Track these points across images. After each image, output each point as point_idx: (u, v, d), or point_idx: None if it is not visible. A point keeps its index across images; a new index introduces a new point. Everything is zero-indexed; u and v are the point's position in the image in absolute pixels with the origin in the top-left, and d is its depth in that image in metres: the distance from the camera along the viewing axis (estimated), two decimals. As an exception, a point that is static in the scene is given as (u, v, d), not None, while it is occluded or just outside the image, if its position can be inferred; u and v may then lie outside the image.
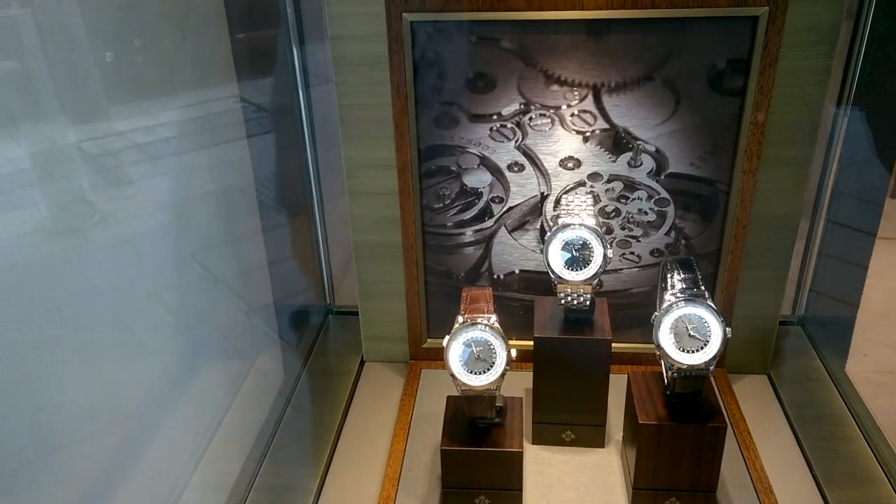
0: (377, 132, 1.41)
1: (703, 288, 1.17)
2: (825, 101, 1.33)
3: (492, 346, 1.16)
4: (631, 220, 1.44)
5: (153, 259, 1.21)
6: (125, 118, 1.15)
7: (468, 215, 1.47)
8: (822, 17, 1.27)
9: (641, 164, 1.41)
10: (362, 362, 1.62)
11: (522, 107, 1.38)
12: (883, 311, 1.73)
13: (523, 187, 1.44)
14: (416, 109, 1.39)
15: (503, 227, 1.47)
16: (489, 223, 1.47)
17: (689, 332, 1.14)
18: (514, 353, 1.16)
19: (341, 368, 1.61)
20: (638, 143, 1.39)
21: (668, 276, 1.20)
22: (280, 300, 1.63)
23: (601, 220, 1.44)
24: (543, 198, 1.45)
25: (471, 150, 1.42)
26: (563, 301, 1.28)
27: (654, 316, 1.17)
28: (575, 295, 1.27)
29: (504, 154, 1.42)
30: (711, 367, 1.15)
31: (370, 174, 1.45)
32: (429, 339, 1.57)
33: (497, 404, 1.22)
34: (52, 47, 0.97)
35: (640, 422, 1.19)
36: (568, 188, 1.44)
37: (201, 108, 1.36)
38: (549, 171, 1.43)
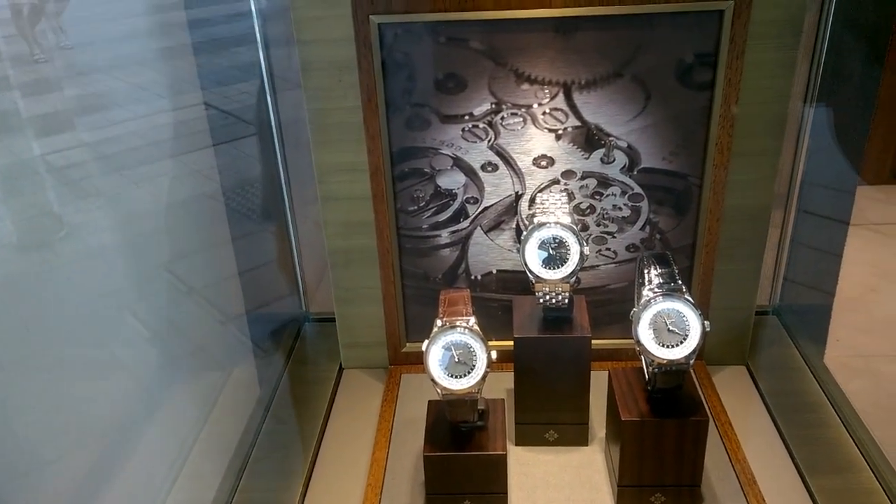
0: (348, 136, 1.40)
1: (680, 282, 1.18)
2: (792, 91, 1.34)
3: (472, 349, 1.16)
4: (606, 216, 1.45)
5: (124, 271, 1.19)
6: (89, 129, 1.13)
7: (443, 217, 1.47)
8: (786, 10, 1.29)
9: (614, 160, 1.42)
10: (341, 369, 1.62)
11: (494, 106, 1.39)
12: (853, 296, 1.76)
13: (497, 187, 1.44)
14: (387, 112, 1.38)
15: (479, 228, 1.48)
16: (465, 224, 1.47)
17: (667, 326, 1.15)
18: (494, 354, 1.16)
19: (319, 376, 1.60)
20: (610, 139, 1.40)
21: (645, 271, 1.21)
22: (253, 309, 1.62)
23: (576, 217, 1.45)
24: (518, 197, 1.45)
25: (443, 152, 1.42)
26: (541, 300, 1.28)
27: (632, 312, 1.17)
28: (553, 293, 1.27)
29: (477, 154, 1.43)
30: (691, 361, 1.16)
31: (342, 178, 1.44)
32: (408, 344, 1.57)
33: (479, 407, 1.22)
34: (13, 58, 0.96)
35: (623, 418, 1.20)
36: (542, 186, 1.44)
37: (168, 116, 1.35)
38: (523, 170, 1.43)
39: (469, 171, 1.44)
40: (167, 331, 1.30)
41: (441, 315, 1.19)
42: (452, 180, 1.45)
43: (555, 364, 1.30)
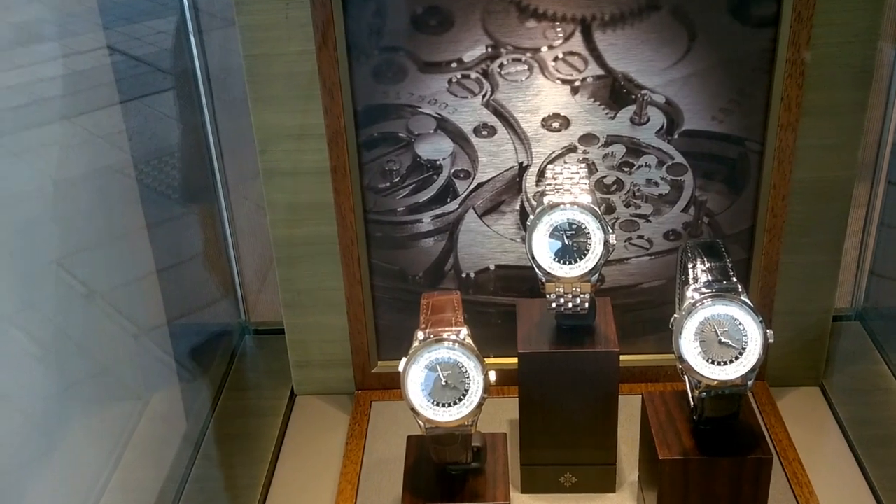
0: (298, 91, 1.40)
1: (734, 279, 1.19)
2: (882, 30, 1.35)
3: (463, 369, 1.16)
4: (637, 194, 1.45)
5: (2, 270, 1.19)
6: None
7: (425, 196, 1.47)
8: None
9: (648, 120, 1.42)
10: (292, 396, 1.62)
11: (490, 50, 1.38)
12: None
13: (496, 157, 1.44)
14: (350, 59, 1.38)
15: (471, 211, 1.48)
16: (453, 206, 1.47)
17: (719, 337, 1.15)
18: (493, 376, 1.16)
19: (265, 406, 1.60)
20: (643, 93, 1.40)
21: (690, 265, 1.21)
22: (176, 318, 1.61)
23: (599, 196, 1.45)
24: (523, 170, 1.45)
25: (424, 111, 1.42)
26: (553, 304, 1.29)
27: (673, 319, 1.18)
28: (569, 296, 1.28)
29: (468, 114, 1.42)
30: (750, 383, 1.16)
31: (291, 147, 1.44)
32: (380, 363, 1.57)
33: (473, 444, 1.22)
34: None
35: (661, 457, 1.20)
36: (554, 156, 1.44)
37: (59, 65, 1.34)
38: (529, 135, 1.43)
39: (458, 136, 1.44)
40: (62, 347, 1.30)
41: (423, 325, 1.19)
42: (436, 148, 1.45)
43: (572, 387, 1.30)
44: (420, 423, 1.17)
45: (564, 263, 1.26)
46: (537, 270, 1.27)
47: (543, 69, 1.39)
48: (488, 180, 1.46)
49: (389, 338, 1.55)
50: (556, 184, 1.28)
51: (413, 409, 1.16)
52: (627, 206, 1.46)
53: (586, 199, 1.26)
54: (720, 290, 1.17)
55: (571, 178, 1.28)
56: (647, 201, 1.46)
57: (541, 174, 1.45)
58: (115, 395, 1.45)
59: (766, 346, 1.15)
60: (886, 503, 1.35)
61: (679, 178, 1.45)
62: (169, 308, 1.59)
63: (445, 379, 1.16)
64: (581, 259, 1.26)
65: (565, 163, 1.44)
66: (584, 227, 1.25)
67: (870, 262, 1.67)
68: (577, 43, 1.38)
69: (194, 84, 1.61)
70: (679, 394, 1.28)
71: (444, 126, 1.43)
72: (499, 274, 1.51)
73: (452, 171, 1.45)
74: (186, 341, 1.66)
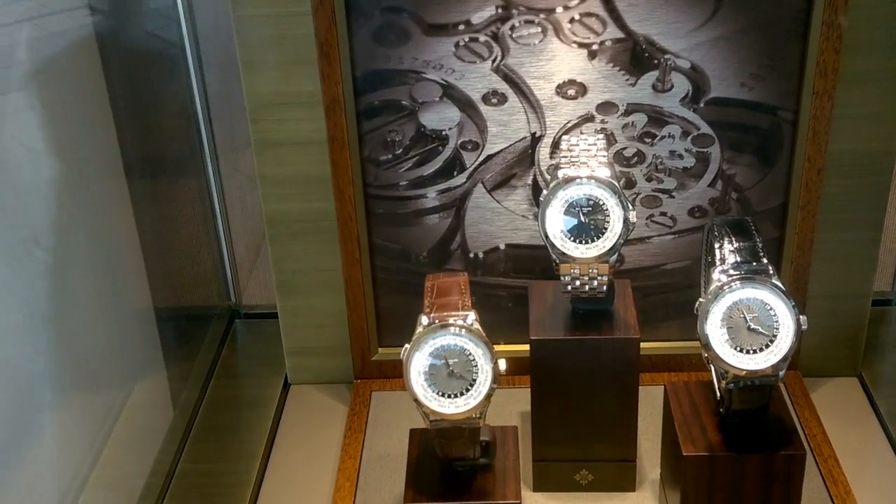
0: (293, 55, 1.40)
1: (765, 261, 1.18)
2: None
3: (471, 357, 1.16)
4: (660, 167, 1.45)
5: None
6: None
7: (430, 169, 1.46)
8: None
9: (672, 87, 1.41)
10: (286, 385, 1.62)
11: (500, 11, 1.38)
12: None
13: (506, 127, 1.44)
14: (349, 20, 1.37)
15: (480, 185, 1.47)
16: (460, 180, 1.47)
17: (748, 324, 1.15)
18: (502, 364, 1.16)
19: (257, 396, 1.60)
20: (666, 57, 1.39)
21: (716, 245, 1.20)
22: (162, 302, 1.62)
23: (618, 169, 1.44)
24: (535, 140, 1.44)
25: (429, 77, 1.42)
26: (568, 287, 1.28)
27: (698, 303, 1.17)
28: (585, 278, 1.27)
29: (477, 80, 1.42)
30: (782, 373, 1.15)
31: (285, 116, 1.43)
32: (380, 350, 1.57)
33: (482, 438, 1.22)
34: None
35: (685, 453, 1.20)
36: (570, 126, 1.43)
37: (34, 25, 1.33)
38: (543, 103, 1.42)
39: (466, 105, 1.43)
40: (39, 332, 1.30)
41: (428, 309, 1.18)
42: (442, 117, 1.44)
43: (589, 377, 1.30)
44: (424, 415, 1.17)
45: (580, 242, 1.25)
46: (551, 250, 1.26)
47: (558, 32, 1.39)
48: (498, 152, 1.45)
49: (391, 323, 1.55)
50: (571, 156, 1.28)
51: (416, 400, 1.16)
52: (649, 180, 1.46)
53: (604, 172, 1.26)
54: (749, 271, 1.16)
55: (588, 150, 1.28)
56: (670, 175, 1.45)
57: (555, 146, 1.44)
58: (95, 383, 1.45)
59: (800, 333, 1.15)
60: (929, 503, 1.35)
61: (705, 149, 1.44)
62: (153, 289, 1.59)
63: (451, 367, 1.16)
64: (599, 238, 1.25)
65: (581, 133, 1.43)
66: (601, 203, 1.25)
67: (912, 242, 1.67)
68: (594, 3, 1.37)
69: (180, 45, 1.61)
70: (705, 384, 1.28)
71: (451, 93, 1.42)
72: (509, 254, 1.51)
73: (459, 142, 1.45)
74: (172, 325, 1.67)
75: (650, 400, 1.41)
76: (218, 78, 1.65)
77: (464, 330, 1.16)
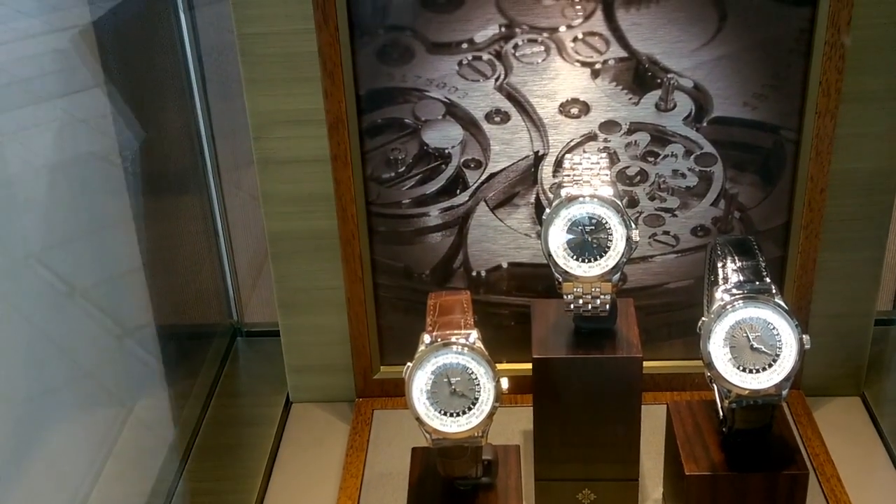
0: (296, 73, 1.40)
1: (768, 280, 1.18)
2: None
3: (473, 376, 1.16)
4: (663, 186, 1.45)
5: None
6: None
7: (432, 188, 1.47)
8: None
9: (675, 106, 1.41)
10: (288, 403, 1.62)
11: (504, 30, 1.38)
12: None
13: (509, 145, 1.44)
14: (352, 38, 1.38)
15: (483, 203, 1.48)
16: (462, 198, 1.47)
17: (751, 343, 1.15)
18: (505, 383, 1.16)
19: (258, 414, 1.60)
20: (669, 76, 1.40)
21: (719, 264, 1.21)
22: (164, 319, 1.62)
23: (621, 188, 1.45)
24: (538, 159, 1.45)
25: (432, 95, 1.42)
26: (571, 306, 1.28)
27: (701, 322, 1.17)
28: (588, 296, 1.27)
29: (480, 98, 1.42)
30: (785, 392, 1.16)
31: (288, 133, 1.44)
32: (382, 368, 1.57)
33: (484, 457, 1.22)
34: None
35: (688, 472, 1.20)
36: (573, 144, 1.44)
37: (37, 42, 1.34)
38: (546, 121, 1.43)
39: (469, 123, 1.44)
40: (38, 348, 1.30)
41: (430, 327, 1.19)
42: (445, 135, 1.45)
43: (591, 396, 1.30)
44: (426, 433, 1.17)
45: (583, 261, 1.26)
46: (554, 269, 1.26)
47: (561, 50, 1.39)
48: (501, 170, 1.46)
49: (393, 341, 1.55)
50: (574, 175, 1.28)
51: (418, 419, 1.16)
52: (652, 199, 1.46)
53: (607, 191, 1.26)
54: (752, 290, 1.17)
55: (591, 169, 1.28)
56: (673, 194, 1.46)
57: (558, 164, 1.45)
58: (96, 400, 1.45)
59: (803, 353, 1.15)
60: (932, 523, 1.35)
61: (708, 168, 1.44)
62: (155, 307, 1.59)
63: (454, 386, 1.16)
64: (601, 256, 1.25)
65: (584, 152, 1.43)
66: (604, 221, 1.25)
67: (915, 262, 1.67)
68: (598, 22, 1.37)
69: (183, 64, 1.61)
70: (707, 404, 1.28)
71: (454, 112, 1.43)
72: (512, 272, 1.51)
73: (462, 160, 1.45)
74: (174, 343, 1.67)
75: (653, 419, 1.40)
76: (221, 96, 1.65)
77: (466, 348, 1.16)
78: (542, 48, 1.39)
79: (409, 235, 1.49)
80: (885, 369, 1.61)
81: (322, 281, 1.52)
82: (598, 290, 1.27)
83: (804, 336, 1.15)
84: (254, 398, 1.65)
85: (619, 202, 1.25)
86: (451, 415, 1.16)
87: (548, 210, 1.26)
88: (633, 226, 1.25)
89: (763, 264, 1.20)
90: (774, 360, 1.15)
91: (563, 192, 1.26)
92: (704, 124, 1.42)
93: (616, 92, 1.41)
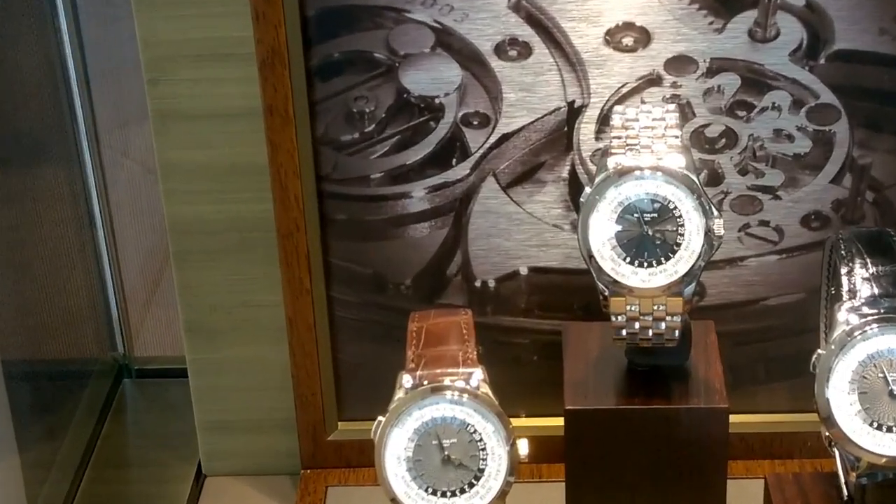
0: (212, -17, 1.41)
1: (916, 293, 1.19)
2: None
3: (476, 437, 1.17)
4: (760, 153, 1.46)
5: None
6: None
7: (416, 155, 1.48)
8: None
9: (778, 34, 1.42)
10: (200, 477, 1.63)
11: (522, -80, 1.39)
12: None
13: (530, 92, 1.45)
14: (296, -68, 1.39)
15: (491, 179, 1.48)
16: (461, 171, 1.48)
17: (890, 387, 1.15)
18: (524, 447, 1.17)
19: (156, 493, 1.61)
20: (769, -10, 1.41)
21: (844, 270, 1.21)
22: (14, 354, 1.62)
23: (698, 157, 1.45)
24: (574, 113, 1.46)
25: (416, 16, 1.43)
26: (623, 332, 1.29)
27: (815, 356, 1.18)
28: (648, 318, 1.28)
29: (487, 22, 1.43)
30: (940, 463, 1.17)
31: (199, 74, 1.45)
32: (340, 425, 1.58)
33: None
34: None
35: (796, 579, 1.21)
36: (625, 92, 1.45)
37: None
38: (585, 57, 1.44)
39: (470, 59, 1.44)
40: None
41: (413, 364, 1.20)
42: (435, 78, 1.45)
43: (652, 466, 1.32)
44: (407, 523, 1.18)
45: (641, 266, 1.26)
46: (597, 276, 1.27)
47: (609, -49, 1.40)
48: (518, 130, 1.46)
49: (356, 384, 1.56)
50: (628, 137, 1.29)
51: (394, 501, 1.17)
52: (743, 173, 1.47)
53: (677, 161, 1.27)
54: (892, 309, 1.17)
55: (653, 128, 1.29)
56: (774, 166, 1.47)
57: (604, 121, 1.45)
58: None
59: (968, 404, 1.16)
60: None
61: (827, 128, 1.45)
62: (5, 336, 1.59)
63: (447, 452, 1.17)
64: (668, 259, 1.26)
65: (643, 103, 1.44)
66: (672, 207, 1.26)
67: None
68: None
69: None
70: (824, 477, 1.29)
71: (448, 42, 1.44)
72: (534, 282, 1.52)
73: (461, 114, 1.46)
74: (29, 387, 1.67)
75: (744, 499, 1.41)
76: (99, 19, 1.65)
77: (466, 396, 1.17)
78: (580, -53, 1.40)
79: (380, 227, 1.50)
80: None
81: (250, 294, 1.53)
82: (662, 308, 1.28)
83: (971, 378, 1.16)
84: (149, 470, 1.66)
85: (694, 178, 1.26)
86: (444, 495, 1.17)
87: (588, 189, 1.27)
88: (716, 213, 1.26)
89: (908, 270, 1.21)
90: (926, 414, 1.16)
91: (612, 163, 1.27)
92: (822, 61, 1.43)
93: (690, 13, 1.42)
